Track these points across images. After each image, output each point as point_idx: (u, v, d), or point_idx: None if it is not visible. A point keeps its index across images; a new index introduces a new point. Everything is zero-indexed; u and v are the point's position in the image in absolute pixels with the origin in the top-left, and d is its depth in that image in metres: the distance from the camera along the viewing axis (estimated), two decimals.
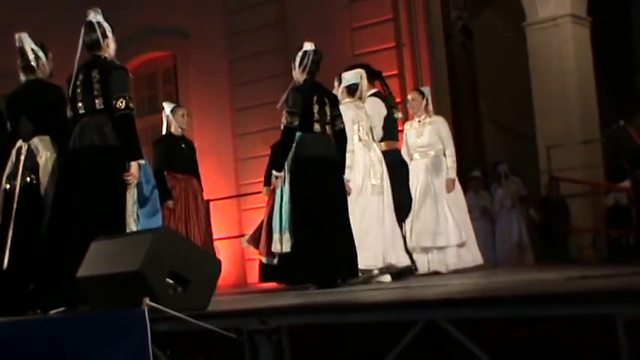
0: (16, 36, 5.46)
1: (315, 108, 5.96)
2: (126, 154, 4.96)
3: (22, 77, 5.56)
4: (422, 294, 3.86)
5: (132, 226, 5.03)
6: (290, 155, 5.95)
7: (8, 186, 5.30)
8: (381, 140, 6.68)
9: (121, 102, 4.95)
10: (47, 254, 4.95)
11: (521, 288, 3.48)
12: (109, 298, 3.86)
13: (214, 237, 9.82)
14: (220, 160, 10.57)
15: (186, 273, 3.78)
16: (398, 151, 7.05)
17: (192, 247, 4.04)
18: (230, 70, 10.57)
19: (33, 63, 5.46)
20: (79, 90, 5.06)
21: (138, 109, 11.41)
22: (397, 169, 6.68)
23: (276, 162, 6.10)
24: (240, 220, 10.24)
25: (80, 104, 5.05)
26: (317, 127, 5.94)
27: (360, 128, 6.35)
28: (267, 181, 7.89)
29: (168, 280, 3.73)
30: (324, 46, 9.79)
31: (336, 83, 6.54)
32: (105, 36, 5.21)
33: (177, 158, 7.69)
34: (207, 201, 10.02)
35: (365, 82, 6.51)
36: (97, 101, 4.98)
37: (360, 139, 6.34)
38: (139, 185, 5.16)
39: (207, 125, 10.72)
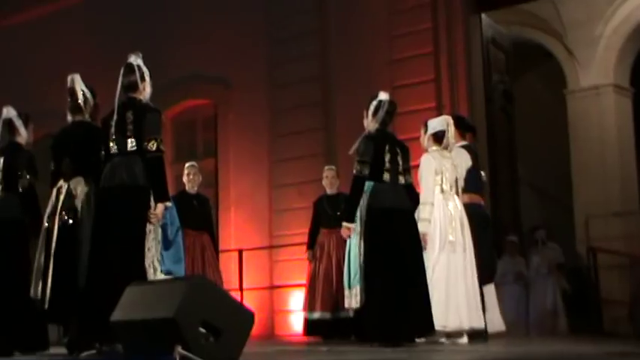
0: (69, 77, 5.60)
1: (387, 157, 5.88)
2: (154, 195, 5.03)
3: (69, 117, 5.68)
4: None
5: (156, 264, 5.05)
6: (362, 206, 5.84)
7: (48, 224, 5.39)
8: (463, 192, 6.39)
9: (153, 144, 5.06)
10: (83, 295, 5.02)
11: None
12: (141, 344, 3.85)
13: (245, 287, 9.83)
14: (255, 209, 10.60)
15: (219, 323, 3.77)
16: (480, 206, 6.71)
17: (226, 297, 4.02)
18: (270, 121, 10.64)
19: (81, 104, 5.58)
20: (112, 130, 5.15)
21: (177, 155, 11.66)
22: (478, 224, 6.38)
23: (346, 213, 5.96)
24: (272, 271, 10.20)
25: (113, 144, 5.15)
26: (387, 176, 5.86)
27: (444, 179, 6.14)
28: (311, 244, 8.01)
29: (201, 329, 3.72)
30: (364, 103, 9.92)
31: (422, 131, 6.41)
32: (143, 79, 5.32)
33: (188, 215, 7.92)
34: (240, 251, 10.06)
35: (452, 130, 6.29)
36: (129, 142, 5.08)
37: (442, 191, 6.12)
38: (164, 227, 5.22)
39: (244, 174, 10.77)
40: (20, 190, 5.73)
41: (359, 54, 10.03)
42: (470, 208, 6.28)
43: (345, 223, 5.90)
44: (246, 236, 10.55)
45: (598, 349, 4.35)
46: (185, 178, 8.42)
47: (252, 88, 10.83)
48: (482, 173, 6.82)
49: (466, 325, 5.92)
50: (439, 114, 9.55)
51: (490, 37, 10.26)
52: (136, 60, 5.39)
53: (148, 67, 5.39)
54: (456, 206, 6.13)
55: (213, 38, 11.21)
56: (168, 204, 5.12)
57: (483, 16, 10.02)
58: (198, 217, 8.18)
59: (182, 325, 3.60)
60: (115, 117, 5.15)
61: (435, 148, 6.25)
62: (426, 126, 6.38)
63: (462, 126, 6.68)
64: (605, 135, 10.72)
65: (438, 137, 6.27)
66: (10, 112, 6.02)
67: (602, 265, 9.52)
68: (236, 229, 10.73)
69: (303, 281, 9.78)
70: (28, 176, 5.75)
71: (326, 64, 10.35)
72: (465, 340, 5.93)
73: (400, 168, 5.94)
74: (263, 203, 10.52)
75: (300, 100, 10.29)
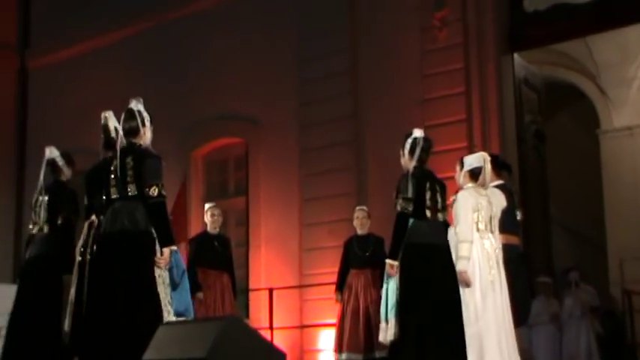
0: (102, 114, 5.67)
1: (428, 195, 5.90)
2: (159, 240, 5.04)
3: (102, 154, 5.75)
4: None
5: (169, 308, 5.08)
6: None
7: (80, 258, 5.47)
8: (500, 232, 6.24)
9: (154, 190, 5.05)
10: (85, 339, 5.05)
11: None
12: None
13: (275, 326, 9.79)
14: (285, 248, 10.59)
15: None
16: (516, 247, 6.59)
17: (258, 338, 4.01)
18: (300, 160, 10.66)
19: (114, 141, 5.64)
20: (112, 175, 5.15)
21: (208, 194, 11.72)
22: (515, 265, 6.29)
23: (391, 249, 5.94)
24: (302, 310, 10.15)
25: (113, 189, 5.13)
26: (428, 213, 5.88)
27: (479, 217, 6.04)
28: (340, 285, 8.03)
29: None
30: (395, 143, 9.89)
31: (457, 167, 6.36)
32: (143, 124, 5.34)
33: (208, 255, 8.27)
34: (271, 289, 10.03)
35: (489, 167, 6.21)
36: (130, 187, 5.08)
37: (477, 229, 6.03)
38: (170, 270, 5.24)
39: (274, 213, 10.78)
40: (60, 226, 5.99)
41: (390, 93, 10.05)
42: (506, 249, 6.15)
43: (389, 261, 5.90)
44: (276, 275, 10.53)
45: None
46: (208, 219, 8.53)
47: (283, 127, 10.89)
48: (518, 213, 6.69)
49: None
50: (471, 153, 9.55)
51: (522, 77, 10.25)
52: (136, 105, 5.45)
53: (149, 113, 5.47)
54: (492, 244, 6.03)
55: (245, 78, 11.31)
56: (174, 248, 5.16)
57: (515, 55, 10.02)
58: (220, 257, 8.35)
59: None
60: (115, 162, 5.18)
61: (470, 185, 6.17)
62: (462, 163, 6.31)
63: (498, 165, 6.61)
64: (638, 176, 10.62)
65: (474, 174, 6.18)
66: (52, 152, 6.28)
67: (637, 308, 9.37)
68: (266, 267, 10.72)
69: (333, 320, 9.73)
70: (64, 212, 5.98)
71: (357, 103, 10.38)
72: None
73: (439, 205, 5.96)
74: (293, 242, 10.51)
75: (330, 139, 10.31)
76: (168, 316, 5.00)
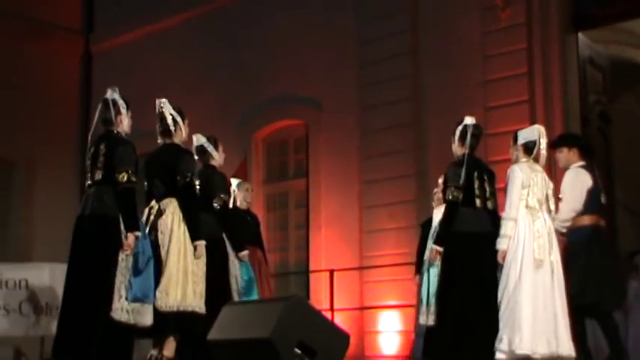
0: (157, 102, 5.79)
1: (476, 183, 5.93)
2: (124, 225, 5.27)
3: (160, 140, 5.88)
4: None
5: (122, 292, 5.25)
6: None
7: None
8: (583, 214, 6.11)
9: (123, 176, 5.30)
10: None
11: None
12: None
13: (335, 307, 9.83)
14: (345, 230, 10.60)
15: (315, 344, 3.79)
16: (599, 228, 6.20)
17: (321, 319, 4.03)
18: (360, 142, 10.64)
19: (171, 128, 5.82)
20: (88, 162, 5.47)
21: (269, 176, 11.80)
22: (595, 248, 6.08)
23: (439, 237, 6.05)
24: (362, 292, 10.17)
25: (89, 175, 5.46)
26: (477, 202, 5.93)
27: (530, 193, 5.85)
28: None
29: (296, 349, 3.74)
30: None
31: (511, 141, 6.23)
32: (118, 113, 5.58)
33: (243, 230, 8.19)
34: (332, 271, 10.07)
35: (545, 141, 6.04)
36: (100, 173, 5.37)
37: (527, 206, 5.85)
38: (135, 255, 5.36)
39: (334, 195, 10.80)
40: (217, 209, 6.24)
41: (451, 75, 9.96)
42: (588, 230, 6.08)
43: (434, 246, 6.03)
44: (336, 256, 10.56)
45: None
46: (242, 194, 8.16)
47: (343, 110, 10.88)
48: (603, 196, 6.41)
49: (555, 352, 5.66)
50: None
51: (587, 57, 10.04)
52: (111, 95, 5.65)
53: (125, 101, 5.71)
54: (544, 224, 5.84)
55: (305, 60, 11.32)
56: (138, 234, 5.31)
57: (580, 35, 9.81)
58: (251, 233, 8.16)
59: (278, 345, 3.63)
60: (91, 149, 5.51)
61: (524, 160, 5.99)
62: (515, 137, 6.15)
63: (583, 147, 6.47)
64: None
65: (529, 148, 6.02)
66: (200, 138, 6.54)
67: None
68: (326, 249, 10.75)
69: (394, 302, 9.74)
70: (222, 195, 6.30)
71: (417, 85, 10.30)
72: None
73: (488, 193, 5.99)
74: (353, 224, 10.51)
75: (391, 121, 10.27)
76: (120, 300, 5.18)
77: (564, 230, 6.16)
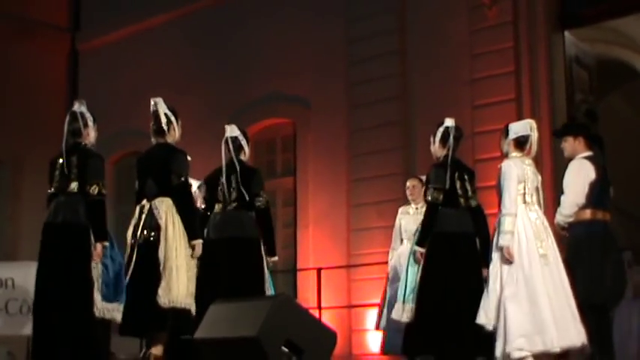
0: (152, 101, 5.77)
1: (458, 184, 6.05)
2: (94, 235, 5.50)
3: (153, 140, 5.86)
4: None
5: (96, 296, 5.50)
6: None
7: (133, 241, 5.57)
8: (585, 207, 5.91)
9: (95, 188, 5.56)
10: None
11: None
12: None
13: (323, 305, 9.84)
14: (333, 228, 10.62)
15: (302, 342, 3.79)
16: (603, 223, 6.03)
17: (308, 317, 4.04)
18: (349, 141, 10.66)
19: (164, 127, 5.79)
20: (57, 172, 5.68)
21: None
22: (599, 244, 5.90)
23: (420, 238, 6.15)
24: (350, 291, 10.19)
25: (57, 185, 5.67)
26: (461, 201, 6.05)
27: (526, 188, 5.76)
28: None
29: (283, 348, 3.74)
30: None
31: (502, 135, 6.07)
32: (86, 125, 5.79)
33: None
34: (319, 269, 10.07)
35: (536, 135, 5.91)
36: (72, 184, 5.59)
37: (524, 201, 5.76)
38: (104, 263, 5.62)
39: (322, 193, 10.81)
40: (257, 208, 5.93)
41: (439, 73, 9.98)
42: (592, 226, 5.88)
43: (417, 248, 6.13)
44: (324, 255, 10.57)
45: None
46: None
47: (331, 108, 10.89)
48: (611, 189, 6.20)
49: (572, 343, 5.55)
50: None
51: (573, 56, 10.08)
52: (79, 107, 5.85)
53: (92, 114, 5.89)
54: (538, 217, 5.77)
55: (293, 58, 11.32)
56: (106, 244, 5.56)
57: (566, 33, 9.85)
58: None
59: (265, 344, 3.64)
60: (60, 160, 5.73)
61: (515, 154, 5.87)
62: (506, 130, 6.00)
63: (590, 137, 6.22)
64: None
65: (520, 143, 5.89)
66: (234, 130, 6.23)
67: None
68: (314, 247, 10.76)
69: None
70: (264, 196, 5.98)
71: (405, 84, 10.33)
72: None
73: (470, 192, 6.11)
74: (341, 222, 10.53)
75: (379, 120, 10.29)
76: (95, 304, 5.46)
77: (566, 225, 5.97)
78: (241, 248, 5.75)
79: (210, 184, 6.07)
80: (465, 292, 5.79)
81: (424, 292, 5.91)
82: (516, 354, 5.48)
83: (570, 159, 6.15)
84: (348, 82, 10.75)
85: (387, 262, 8.52)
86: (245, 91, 11.67)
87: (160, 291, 5.44)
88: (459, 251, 5.90)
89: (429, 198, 6.04)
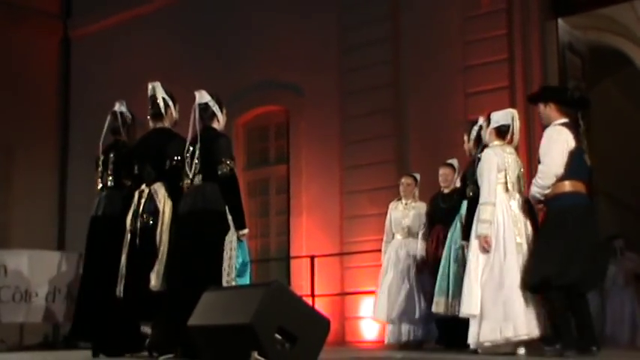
0: (150, 85, 5.72)
1: None
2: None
3: (151, 124, 5.83)
4: None
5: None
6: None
7: (130, 227, 5.56)
8: (562, 179, 5.46)
9: (128, 181, 5.91)
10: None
11: None
12: (218, 349, 3.89)
13: (316, 293, 9.85)
14: (326, 216, 10.62)
15: (295, 329, 3.79)
16: (582, 196, 5.52)
17: (302, 304, 4.04)
18: (342, 128, 10.64)
19: (162, 111, 5.75)
20: (100, 169, 6.22)
21: (249, 162, 11.77)
22: (578, 220, 5.42)
23: (464, 233, 6.30)
24: (343, 278, 10.20)
25: (99, 179, 6.24)
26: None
27: (507, 177, 5.78)
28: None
29: (277, 335, 3.74)
30: (437, 110, 9.85)
31: (484, 123, 6.14)
32: (125, 124, 6.35)
33: None
34: (312, 257, 10.07)
35: (518, 125, 5.89)
36: (110, 179, 6.19)
37: (506, 190, 5.78)
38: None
39: (315, 180, 10.81)
40: (220, 177, 5.35)
41: (432, 60, 9.97)
42: (570, 199, 5.40)
43: (463, 242, 6.31)
44: (317, 242, 10.57)
45: None
46: None
47: (324, 95, 10.87)
48: (586, 157, 5.62)
49: (524, 334, 5.61)
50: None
51: (566, 43, 10.08)
52: (119, 108, 6.33)
53: (131, 113, 6.37)
54: (519, 206, 5.77)
55: (286, 46, 11.29)
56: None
57: (560, 21, 9.84)
58: None
59: (259, 331, 3.63)
60: (102, 157, 6.26)
61: (497, 143, 5.90)
62: (488, 119, 6.05)
63: (566, 100, 5.72)
64: None
65: (502, 132, 5.93)
66: (204, 96, 5.69)
67: None
68: (307, 235, 10.77)
69: (374, 288, 9.77)
70: (228, 162, 5.37)
71: (398, 71, 10.31)
72: (522, 351, 5.68)
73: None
74: (334, 210, 10.53)
75: (371, 106, 10.27)
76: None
77: (542, 198, 5.54)
78: (202, 222, 5.24)
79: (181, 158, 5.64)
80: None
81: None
82: (488, 341, 5.59)
83: (547, 127, 5.77)
84: (341, 70, 10.73)
85: (380, 250, 8.56)
86: (238, 79, 11.64)
87: (152, 275, 5.43)
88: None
89: (470, 193, 6.19)
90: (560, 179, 5.41)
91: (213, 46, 12.01)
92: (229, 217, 5.28)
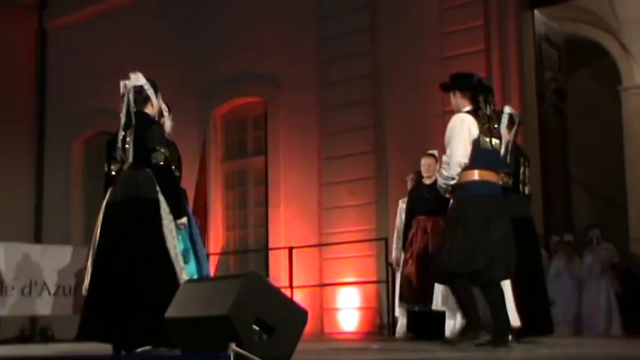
0: (122, 83, 5.58)
1: (521, 169, 6.09)
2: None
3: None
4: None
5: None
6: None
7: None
8: (469, 168, 5.27)
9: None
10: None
11: None
12: (195, 340, 3.88)
13: (294, 284, 9.85)
14: (304, 207, 10.62)
15: (273, 321, 3.78)
16: (487, 186, 5.29)
17: (279, 295, 4.03)
18: (320, 119, 10.64)
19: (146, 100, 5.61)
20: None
21: (227, 153, 11.74)
22: (468, 206, 5.26)
23: None
24: (321, 269, 10.21)
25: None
26: (521, 187, 6.08)
27: None
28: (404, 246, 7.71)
29: (254, 326, 3.73)
30: (415, 101, 9.87)
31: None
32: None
33: None
34: (291, 248, 10.08)
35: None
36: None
37: None
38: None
39: (293, 172, 10.80)
40: (156, 165, 5.12)
41: (409, 51, 9.98)
42: (476, 188, 5.21)
43: None
44: (295, 234, 10.58)
45: None
46: None
47: (302, 87, 10.85)
48: (494, 141, 5.34)
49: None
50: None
51: (543, 34, 10.14)
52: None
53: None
54: None
55: (264, 37, 11.26)
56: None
57: (536, 12, 9.91)
58: None
59: (236, 322, 3.62)
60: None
61: None
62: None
63: (466, 87, 5.42)
64: None
65: None
66: (139, 78, 5.39)
67: None
68: (286, 226, 10.77)
69: (353, 279, 9.80)
70: (162, 150, 5.15)
71: (376, 62, 10.32)
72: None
73: (527, 179, 6.13)
74: (312, 201, 10.53)
75: (350, 98, 10.28)
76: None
77: (449, 188, 5.34)
78: (139, 210, 5.05)
79: (109, 143, 5.38)
80: (529, 275, 5.83)
81: None
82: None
83: None
84: (319, 61, 10.72)
85: (358, 241, 8.59)
86: (215, 70, 11.61)
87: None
88: (524, 236, 5.81)
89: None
90: (467, 168, 5.22)
91: (189, 38, 11.96)
92: (163, 206, 5.09)
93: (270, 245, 10.91)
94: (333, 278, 10.00)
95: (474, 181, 5.20)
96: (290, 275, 9.94)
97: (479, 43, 9.52)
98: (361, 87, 10.28)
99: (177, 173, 5.51)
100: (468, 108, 5.32)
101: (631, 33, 11.15)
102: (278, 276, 10.25)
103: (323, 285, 10.14)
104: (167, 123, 5.76)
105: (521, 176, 6.05)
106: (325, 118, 10.55)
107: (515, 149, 6.06)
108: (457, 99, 5.39)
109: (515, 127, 6.05)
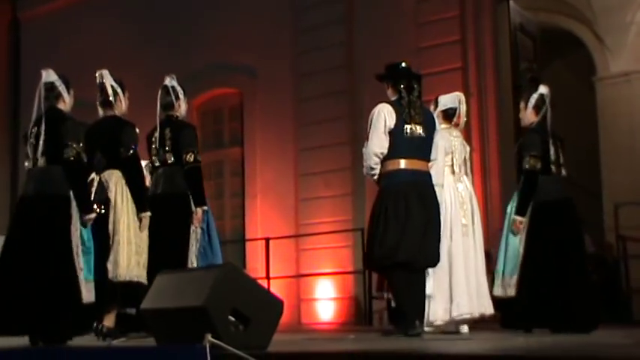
0: (97, 73, 5.68)
1: (551, 150, 5.82)
2: (193, 201, 5.81)
3: (101, 112, 5.81)
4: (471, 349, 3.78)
5: (193, 260, 5.79)
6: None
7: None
8: (390, 158, 5.26)
9: (190, 156, 5.83)
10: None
11: (589, 351, 3.37)
12: (171, 332, 3.87)
13: (271, 275, 9.86)
14: (281, 198, 10.62)
15: (249, 311, 3.78)
16: (405, 174, 5.28)
17: (255, 286, 4.03)
18: (296, 110, 10.64)
19: (111, 99, 5.75)
20: (153, 145, 5.89)
21: (203, 144, 11.67)
22: (389, 194, 5.24)
23: (521, 207, 5.75)
24: (298, 260, 10.22)
25: (155, 157, 5.93)
26: (553, 169, 5.80)
27: (454, 159, 5.86)
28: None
29: (230, 317, 3.73)
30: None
31: (432, 107, 5.98)
32: (177, 98, 6.03)
33: None
34: (267, 239, 10.08)
35: (464, 108, 5.94)
36: (168, 155, 5.86)
37: (452, 172, 5.86)
38: (203, 228, 5.90)
39: (270, 163, 10.79)
40: (67, 160, 5.08)
41: (385, 42, 9.99)
42: (397, 176, 5.21)
43: (517, 217, 5.74)
44: (272, 225, 10.58)
45: (627, 339, 4.31)
46: None
47: (278, 77, 10.84)
48: (420, 130, 5.27)
49: (481, 312, 5.82)
50: (467, 103, 9.51)
51: (518, 24, 10.17)
52: (170, 82, 6.07)
53: (181, 86, 6.10)
54: (465, 188, 5.91)
55: (239, 27, 11.22)
56: (205, 208, 5.88)
57: (511, 2, 9.94)
58: None
59: (212, 313, 3.61)
60: (155, 134, 5.91)
61: (444, 126, 5.89)
62: (436, 102, 6.04)
63: (392, 77, 5.49)
64: (634, 122, 10.61)
65: (449, 115, 5.99)
66: (51, 75, 5.39)
67: (631, 254, 9.43)
68: (262, 217, 10.76)
69: (330, 270, 9.82)
70: (74, 145, 5.09)
71: (352, 53, 10.32)
72: (465, 329, 5.81)
73: (561, 160, 5.87)
74: (289, 192, 10.54)
75: (326, 88, 10.28)
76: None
77: (374, 178, 5.34)
78: (52, 206, 5.01)
79: (25, 139, 5.34)
80: (571, 261, 5.62)
81: (530, 263, 5.61)
82: (440, 320, 5.70)
83: None
84: (295, 52, 10.71)
85: (335, 232, 8.59)
86: (191, 61, 11.55)
87: (109, 265, 5.41)
88: (564, 220, 5.67)
89: (527, 166, 5.71)
90: (390, 157, 5.22)
91: (165, 28, 11.89)
92: (73, 204, 5.07)
93: (247, 236, 10.90)
94: (310, 269, 10.01)
95: (397, 170, 5.21)
96: (267, 266, 9.95)
97: (454, 33, 9.56)
98: (337, 78, 10.28)
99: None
100: (394, 98, 5.38)
101: (605, 23, 11.20)
102: (255, 267, 10.25)
103: (300, 276, 10.15)
104: (182, 106, 6.10)
105: (552, 157, 5.76)
106: (301, 109, 10.55)
107: (546, 129, 5.83)
108: (388, 89, 5.49)
109: (544, 108, 5.89)
